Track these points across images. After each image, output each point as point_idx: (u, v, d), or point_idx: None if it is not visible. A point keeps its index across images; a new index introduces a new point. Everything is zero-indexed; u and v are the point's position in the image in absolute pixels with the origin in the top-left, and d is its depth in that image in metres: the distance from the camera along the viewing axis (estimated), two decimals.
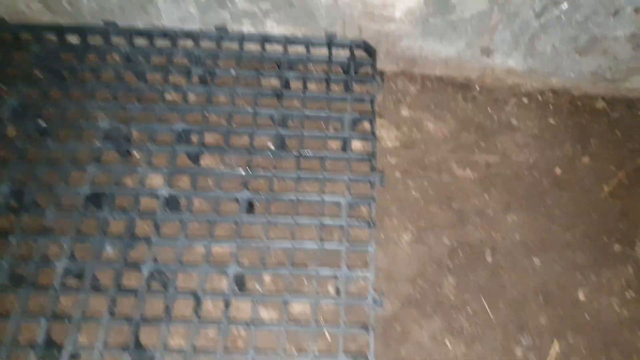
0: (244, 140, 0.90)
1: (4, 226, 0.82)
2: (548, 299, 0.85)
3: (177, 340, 0.80)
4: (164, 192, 0.80)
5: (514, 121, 0.98)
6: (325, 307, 0.82)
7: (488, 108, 0.98)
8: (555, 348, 0.82)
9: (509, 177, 0.93)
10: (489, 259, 0.87)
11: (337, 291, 0.77)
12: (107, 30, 0.92)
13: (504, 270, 0.86)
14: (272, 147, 0.86)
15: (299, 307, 0.82)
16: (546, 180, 0.93)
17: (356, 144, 0.92)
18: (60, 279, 0.74)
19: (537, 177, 0.93)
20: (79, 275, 0.76)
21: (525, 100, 0.99)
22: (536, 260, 0.87)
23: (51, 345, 0.71)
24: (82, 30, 0.92)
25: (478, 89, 1.00)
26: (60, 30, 0.92)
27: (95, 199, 0.80)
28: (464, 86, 1.00)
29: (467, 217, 0.90)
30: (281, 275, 0.83)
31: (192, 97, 0.93)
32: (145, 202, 0.83)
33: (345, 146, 0.87)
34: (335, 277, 0.77)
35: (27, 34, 0.93)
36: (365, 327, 0.74)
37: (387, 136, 0.95)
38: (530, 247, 0.88)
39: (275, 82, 0.94)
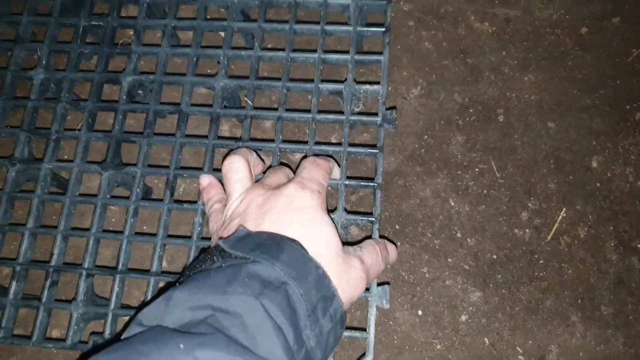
0: None
1: None
2: (559, 164, 0.80)
3: (159, 161, 0.76)
4: None
5: None
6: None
7: None
8: (562, 214, 0.78)
9: (529, 34, 0.85)
10: (501, 119, 0.82)
11: (342, 111, 0.65)
12: None
13: (516, 131, 0.81)
14: None
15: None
16: (569, 40, 0.86)
17: None
18: (37, 90, 0.68)
19: (559, 36, 0.86)
20: (57, 87, 0.70)
21: None
22: (550, 124, 0.82)
23: (31, 161, 0.67)
24: None
25: None
26: None
27: (73, 4, 0.72)
28: None
29: (482, 73, 0.83)
30: (275, 91, 0.75)
31: None
32: (125, 9, 0.76)
33: None
34: (340, 93, 0.65)
35: None
36: (373, 148, 0.63)
37: None
38: (546, 109, 0.82)
39: None
